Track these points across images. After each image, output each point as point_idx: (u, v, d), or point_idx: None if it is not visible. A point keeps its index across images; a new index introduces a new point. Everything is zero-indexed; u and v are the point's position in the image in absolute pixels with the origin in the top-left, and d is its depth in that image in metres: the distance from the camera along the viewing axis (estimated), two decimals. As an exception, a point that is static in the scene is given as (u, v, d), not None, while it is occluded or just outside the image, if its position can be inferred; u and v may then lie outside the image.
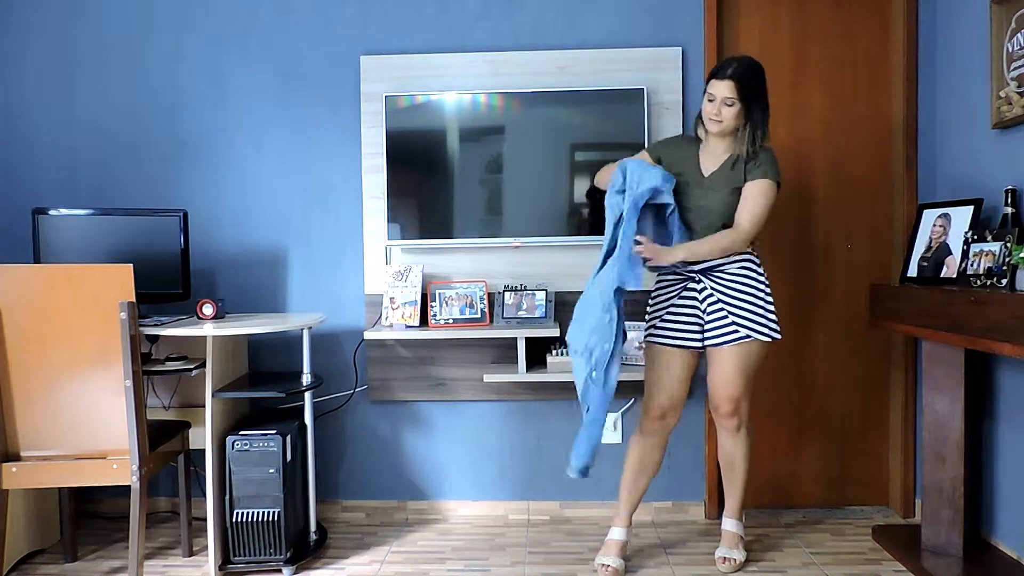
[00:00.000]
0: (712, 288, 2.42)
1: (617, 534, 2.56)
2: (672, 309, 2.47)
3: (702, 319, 2.44)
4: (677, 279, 2.48)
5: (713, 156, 2.45)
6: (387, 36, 2.98)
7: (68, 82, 3.03)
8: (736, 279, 2.41)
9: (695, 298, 2.45)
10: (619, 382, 2.84)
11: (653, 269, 2.50)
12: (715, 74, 2.36)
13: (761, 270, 2.44)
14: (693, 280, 2.45)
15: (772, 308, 2.42)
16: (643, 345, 2.69)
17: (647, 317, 2.54)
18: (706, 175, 2.44)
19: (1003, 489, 2.54)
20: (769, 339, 2.41)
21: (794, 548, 2.71)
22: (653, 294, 2.55)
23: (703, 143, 2.48)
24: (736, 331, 2.40)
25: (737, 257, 2.42)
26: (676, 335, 2.46)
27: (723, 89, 2.33)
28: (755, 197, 2.37)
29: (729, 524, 2.61)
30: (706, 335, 2.44)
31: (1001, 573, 2.40)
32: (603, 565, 2.51)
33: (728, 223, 2.40)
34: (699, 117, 2.46)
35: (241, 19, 3.01)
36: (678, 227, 2.44)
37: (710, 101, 2.37)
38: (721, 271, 2.42)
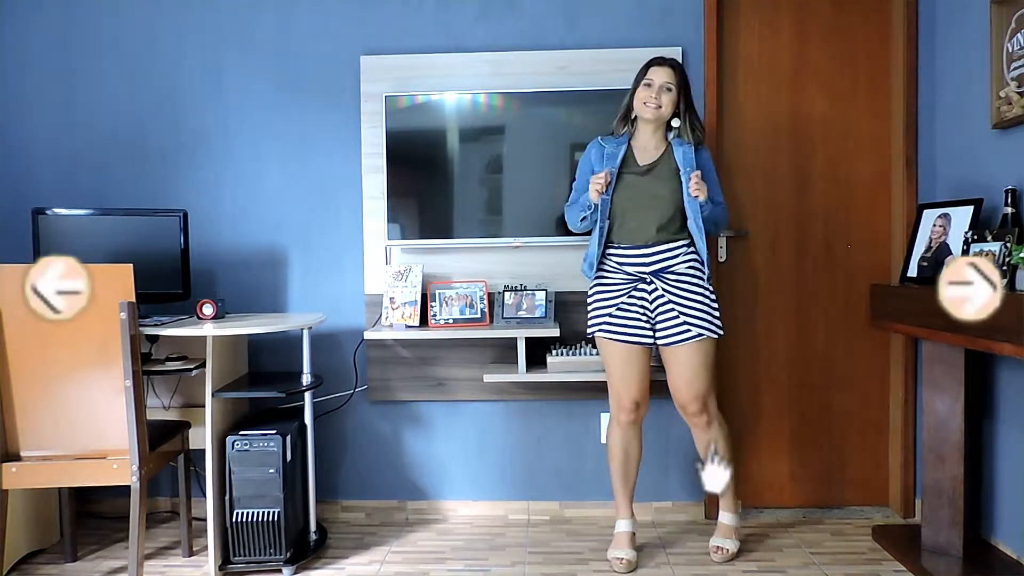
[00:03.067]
0: (663, 289, 2.45)
1: (624, 526, 2.60)
2: (622, 306, 2.49)
3: (651, 319, 2.48)
4: (626, 279, 2.49)
5: (646, 148, 2.50)
6: (387, 36, 2.98)
7: (68, 82, 3.03)
8: (684, 278, 2.46)
9: (644, 299, 2.48)
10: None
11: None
12: (653, 62, 2.47)
13: (706, 268, 2.47)
14: (644, 281, 2.47)
15: (717, 305, 2.48)
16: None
17: (591, 315, 2.54)
18: (646, 163, 2.48)
19: (1003, 489, 2.54)
20: (717, 336, 2.47)
21: (794, 548, 2.71)
22: (594, 292, 2.54)
23: (631, 138, 2.52)
24: (688, 330, 2.44)
25: (685, 256, 2.46)
26: (631, 332, 2.48)
27: (663, 75, 2.44)
28: (714, 175, 2.53)
29: (723, 516, 2.65)
30: (658, 334, 2.48)
31: (1001, 573, 2.40)
32: (617, 558, 2.54)
33: (678, 208, 2.44)
34: (624, 113, 2.52)
35: (241, 19, 3.01)
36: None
37: (647, 86, 2.44)
38: (670, 271, 2.46)
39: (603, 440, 2.98)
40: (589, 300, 2.56)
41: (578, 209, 2.53)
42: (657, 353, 2.58)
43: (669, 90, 2.43)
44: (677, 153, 2.46)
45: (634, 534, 2.61)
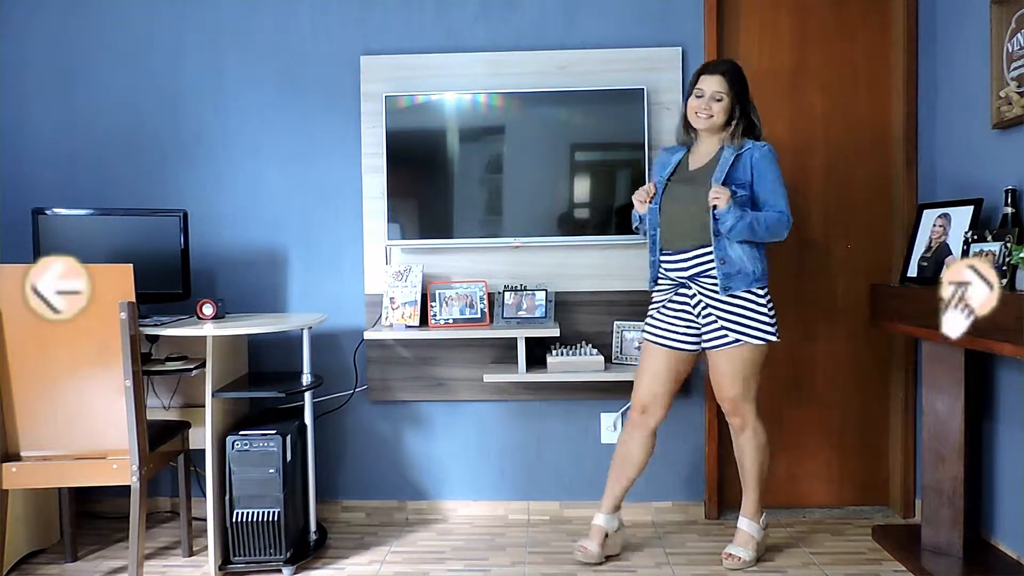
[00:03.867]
0: (700, 294, 2.44)
1: (599, 520, 2.59)
2: (665, 309, 2.50)
3: (697, 322, 2.47)
4: (670, 285, 2.50)
5: (701, 154, 2.50)
6: (387, 36, 2.98)
7: (68, 82, 3.03)
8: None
9: (687, 303, 2.47)
10: (619, 382, 2.87)
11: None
12: (705, 70, 2.44)
13: (751, 273, 2.40)
14: (684, 286, 2.47)
15: (765, 310, 2.41)
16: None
17: (648, 314, 2.59)
18: (695, 168, 2.48)
19: (1003, 489, 2.54)
20: (763, 342, 2.41)
21: (794, 548, 2.71)
22: (653, 294, 2.57)
23: (693, 145, 2.52)
24: (726, 335, 2.41)
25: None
26: (665, 335, 2.49)
27: (713, 83, 2.40)
28: (770, 176, 2.41)
29: (741, 523, 2.59)
30: (703, 338, 2.47)
31: (1001, 573, 2.40)
32: (581, 547, 2.55)
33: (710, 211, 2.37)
34: (683, 121, 2.51)
35: (241, 19, 3.01)
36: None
37: (698, 97, 2.43)
38: (707, 276, 2.42)
39: (603, 440, 2.99)
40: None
41: (635, 216, 2.59)
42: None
43: (719, 99, 2.40)
44: (723, 159, 2.42)
45: (606, 532, 2.57)
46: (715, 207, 2.34)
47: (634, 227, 2.64)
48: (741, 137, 2.43)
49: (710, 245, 2.39)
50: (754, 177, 2.41)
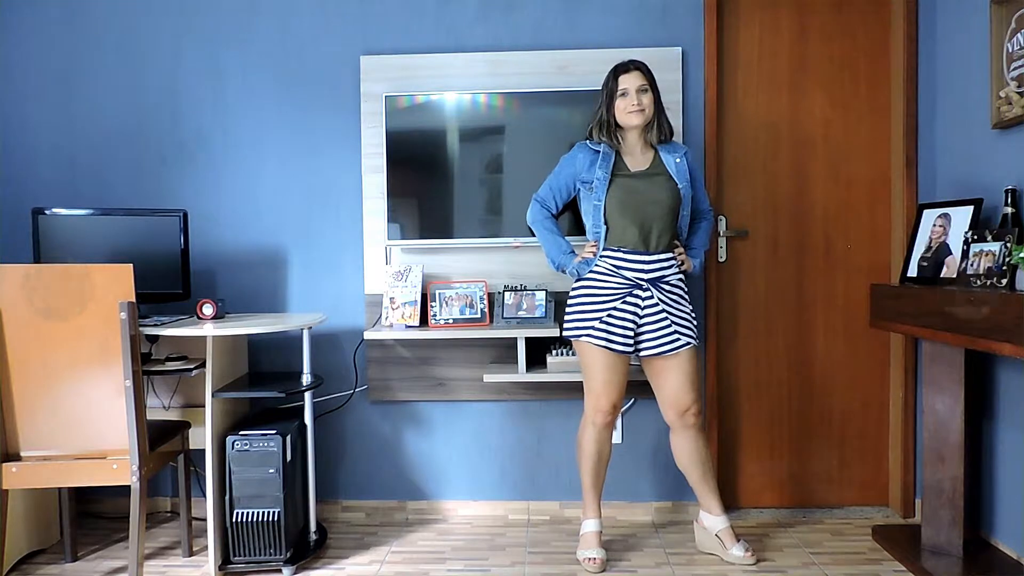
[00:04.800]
0: (659, 298, 2.46)
1: (593, 526, 2.60)
2: (615, 313, 2.47)
3: (637, 327, 2.48)
4: (622, 284, 2.47)
5: (634, 154, 2.52)
6: (387, 36, 2.99)
7: (68, 82, 3.03)
8: (675, 289, 2.50)
9: (636, 305, 2.47)
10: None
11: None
12: (618, 70, 2.48)
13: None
14: (640, 287, 2.47)
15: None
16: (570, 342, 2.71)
17: (574, 316, 2.51)
18: (638, 170, 2.49)
19: (1003, 489, 2.54)
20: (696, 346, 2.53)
21: (794, 548, 2.71)
22: (581, 294, 2.50)
23: (618, 144, 2.52)
24: (678, 339, 2.47)
25: (675, 269, 2.50)
26: (619, 339, 2.47)
27: (635, 79, 2.46)
28: (701, 178, 2.64)
29: (725, 520, 2.61)
30: (644, 343, 2.48)
31: (1001, 573, 2.40)
32: (589, 559, 2.54)
33: (674, 217, 2.49)
34: (599, 125, 2.51)
35: (241, 19, 3.01)
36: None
37: (623, 96, 2.46)
38: (665, 281, 2.48)
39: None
40: (574, 300, 2.53)
41: (551, 245, 2.57)
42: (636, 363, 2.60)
43: (645, 91, 2.46)
44: (668, 162, 2.51)
45: (601, 532, 2.61)
46: (685, 272, 2.54)
47: (551, 247, 2.58)
48: (662, 130, 2.50)
49: (671, 250, 2.49)
50: (692, 179, 2.54)
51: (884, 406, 3.04)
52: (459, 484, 3.05)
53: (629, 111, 2.45)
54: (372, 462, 3.06)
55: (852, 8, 2.97)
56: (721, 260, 2.99)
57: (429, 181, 2.91)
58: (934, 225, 2.58)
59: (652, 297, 2.46)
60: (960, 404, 2.47)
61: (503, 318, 2.82)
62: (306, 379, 2.66)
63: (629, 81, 2.45)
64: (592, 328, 2.47)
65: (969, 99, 2.65)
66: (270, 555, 2.50)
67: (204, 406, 2.50)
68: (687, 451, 2.58)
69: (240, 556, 2.50)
